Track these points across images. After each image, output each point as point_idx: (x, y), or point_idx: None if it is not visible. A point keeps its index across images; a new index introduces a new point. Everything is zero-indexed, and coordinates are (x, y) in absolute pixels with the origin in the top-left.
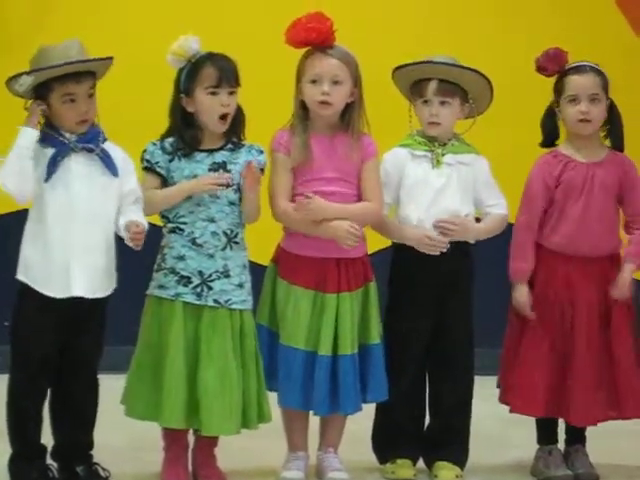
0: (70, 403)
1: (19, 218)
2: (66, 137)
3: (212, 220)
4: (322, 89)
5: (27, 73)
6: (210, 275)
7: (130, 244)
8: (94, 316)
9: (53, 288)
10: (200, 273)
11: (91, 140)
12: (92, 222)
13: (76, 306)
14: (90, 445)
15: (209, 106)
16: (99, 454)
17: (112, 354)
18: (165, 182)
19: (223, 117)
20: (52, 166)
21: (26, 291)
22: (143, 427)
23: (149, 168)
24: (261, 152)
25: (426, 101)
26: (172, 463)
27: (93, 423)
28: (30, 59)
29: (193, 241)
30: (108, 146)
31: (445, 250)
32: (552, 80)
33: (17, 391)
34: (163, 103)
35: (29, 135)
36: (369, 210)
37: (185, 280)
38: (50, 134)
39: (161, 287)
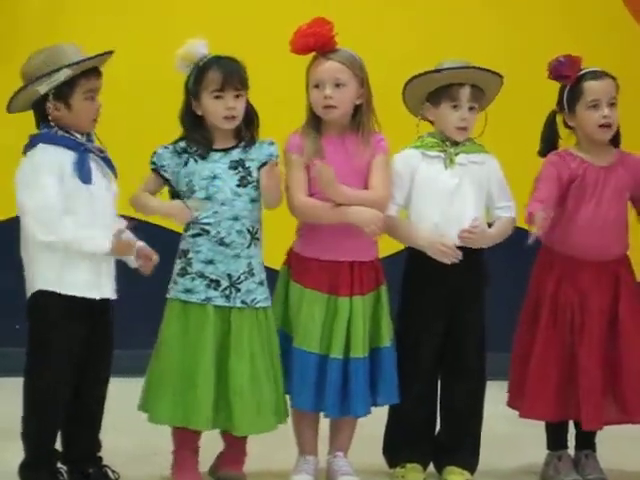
0: (83, 406)
1: None
2: (78, 138)
3: (236, 218)
4: (324, 93)
5: (67, 66)
6: (239, 277)
7: (141, 269)
8: (109, 321)
9: (88, 291)
10: (229, 276)
11: (93, 142)
12: (109, 224)
13: (101, 310)
14: (99, 446)
15: (214, 110)
16: (107, 458)
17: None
18: (169, 185)
19: (229, 117)
20: (84, 168)
21: (55, 301)
22: (152, 431)
23: (154, 170)
24: (272, 143)
25: (456, 106)
26: (182, 466)
27: (101, 423)
28: (40, 63)
29: (221, 241)
30: None
31: (457, 261)
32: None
33: (43, 401)
34: (167, 107)
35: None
36: (372, 197)
37: (215, 284)
38: (66, 136)
39: (188, 291)
